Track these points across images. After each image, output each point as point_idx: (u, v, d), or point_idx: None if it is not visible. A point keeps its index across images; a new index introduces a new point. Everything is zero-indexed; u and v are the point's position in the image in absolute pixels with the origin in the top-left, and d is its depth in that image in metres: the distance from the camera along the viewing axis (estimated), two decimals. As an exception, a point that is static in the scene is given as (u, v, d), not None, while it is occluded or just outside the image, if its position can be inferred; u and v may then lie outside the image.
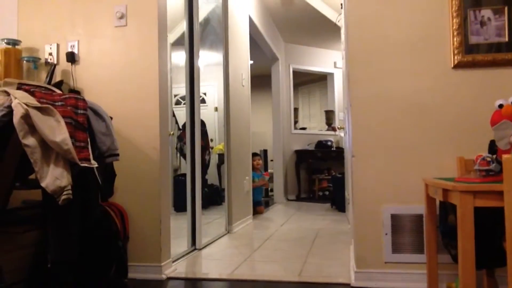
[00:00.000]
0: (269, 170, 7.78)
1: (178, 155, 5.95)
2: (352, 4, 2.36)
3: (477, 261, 1.50)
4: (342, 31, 4.60)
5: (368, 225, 2.30)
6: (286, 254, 3.09)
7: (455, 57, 2.19)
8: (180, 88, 5.69)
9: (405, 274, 2.23)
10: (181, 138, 5.75)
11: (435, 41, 2.24)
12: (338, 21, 5.21)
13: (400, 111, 2.28)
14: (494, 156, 1.69)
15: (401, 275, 2.24)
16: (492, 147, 1.86)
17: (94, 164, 1.81)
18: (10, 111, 1.69)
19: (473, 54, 2.17)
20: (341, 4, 4.25)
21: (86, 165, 1.76)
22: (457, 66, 2.20)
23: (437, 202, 2.05)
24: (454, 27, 2.18)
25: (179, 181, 5.09)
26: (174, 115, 5.86)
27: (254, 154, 5.87)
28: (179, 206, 4.41)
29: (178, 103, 6.38)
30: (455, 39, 2.19)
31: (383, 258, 2.27)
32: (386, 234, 2.28)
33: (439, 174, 2.21)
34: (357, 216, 2.34)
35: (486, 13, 2.15)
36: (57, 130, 1.66)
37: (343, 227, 4.23)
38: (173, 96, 6.12)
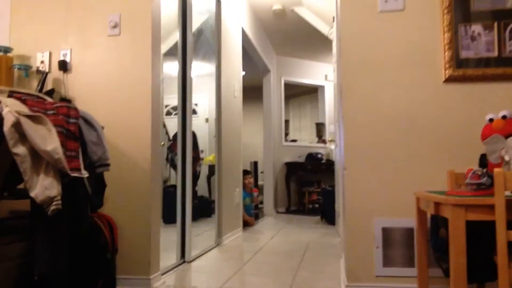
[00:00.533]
0: (259, 182, 7.77)
1: (168, 166, 5.92)
2: (346, 18, 2.38)
3: (468, 275, 1.50)
4: (334, 44, 4.64)
5: (359, 238, 2.30)
6: (276, 267, 3.07)
7: (446, 71, 2.22)
8: (171, 99, 5.67)
9: (396, 288, 2.23)
10: (171, 149, 5.72)
11: (427, 55, 2.27)
12: (330, 34, 5.27)
13: (392, 124, 2.30)
14: (485, 170, 1.70)
15: (392, 289, 2.23)
16: (483, 161, 1.87)
17: (85, 174, 1.79)
18: (0, 118, 1.67)
19: (464, 69, 2.20)
20: (333, 18, 4.30)
21: (76, 175, 1.73)
22: (448, 80, 2.22)
23: (428, 216, 2.05)
24: (445, 42, 2.22)
25: (168, 192, 5.04)
26: (164, 126, 5.83)
27: (246, 172, 5.80)
28: (168, 217, 4.37)
29: (168, 113, 6.35)
30: (446, 53, 2.22)
31: (374, 272, 2.27)
32: (377, 247, 2.27)
33: (430, 187, 2.22)
34: (348, 229, 2.34)
35: (477, 28, 2.19)
36: (48, 139, 1.63)
37: (333, 240, 4.22)
38: (164, 106, 6.10)
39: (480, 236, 1.63)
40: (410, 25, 2.28)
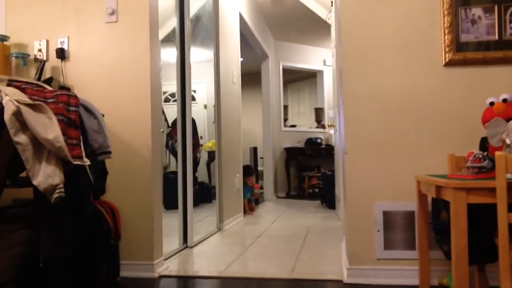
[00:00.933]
0: (259, 168, 7.79)
1: (168, 152, 5.93)
2: (345, 2, 2.36)
3: (469, 257, 1.52)
4: (333, 28, 4.61)
5: (360, 222, 2.32)
6: (278, 251, 3.09)
7: (446, 55, 2.21)
8: (169, 86, 5.64)
9: (397, 271, 2.25)
10: (171, 135, 5.72)
11: (427, 39, 2.26)
12: (329, 19, 5.23)
13: (392, 108, 2.29)
14: (485, 153, 1.70)
15: (393, 272, 2.26)
16: (483, 144, 1.88)
17: (87, 161, 1.79)
18: (1, 107, 1.66)
19: (464, 52, 2.19)
20: (332, 2, 4.26)
21: (78, 162, 1.74)
22: (448, 64, 2.22)
23: (429, 199, 2.07)
24: (445, 25, 2.20)
25: (168, 178, 5.06)
26: (163, 113, 5.83)
27: (248, 172, 5.72)
28: (169, 203, 4.39)
29: (167, 100, 6.35)
30: (446, 37, 2.20)
31: (375, 255, 2.29)
32: (378, 230, 2.29)
33: (431, 171, 2.23)
34: (349, 213, 2.35)
35: (477, 11, 2.18)
36: (49, 128, 1.63)
37: (334, 224, 4.25)
38: (162, 93, 6.08)
39: (481, 218, 1.64)
40: (410, 8, 2.27)
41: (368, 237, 2.30)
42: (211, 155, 5.52)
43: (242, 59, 5.28)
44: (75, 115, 1.81)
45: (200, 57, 4.71)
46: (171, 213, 3.56)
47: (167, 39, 5.25)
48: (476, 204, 1.54)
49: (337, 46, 2.94)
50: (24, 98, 1.65)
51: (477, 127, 2.07)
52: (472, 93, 2.21)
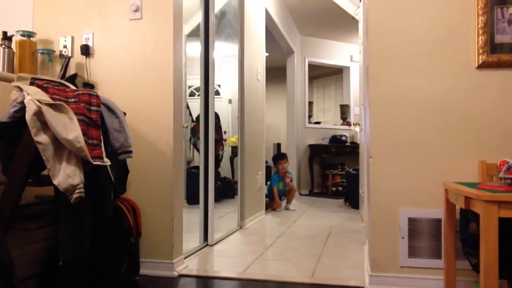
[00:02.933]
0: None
1: (192, 147, 5.94)
2: (373, 1, 2.28)
3: (499, 270, 1.44)
4: (360, 25, 4.50)
5: (384, 228, 2.25)
6: (299, 253, 3.05)
7: (480, 57, 2.10)
8: (194, 80, 5.65)
9: (421, 279, 2.18)
10: (194, 131, 5.73)
11: (459, 39, 2.15)
12: (356, 15, 5.11)
13: (421, 112, 2.21)
14: (520, 161, 1.62)
15: (417, 280, 2.18)
16: (518, 152, 1.78)
17: (107, 162, 1.79)
18: (23, 107, 1.67)
19: (499, 54, 2.08)
20: (360, -2, 4.15)
21: (98, 163, 1.73)
22: (482, 66, 2.11)
23: (458, 208, 1.98)
24: (479, 25, 2.10)
25: (192, 173, 5.08)
26: (188, 107, 5.83)
27: (281, 156, 5.70)
28: (192, 198, 4.40)
29: (192, 94, 6.35)
30: (480, 38, 2.10)
31: (399, 262, 2.22)
32: (403, 238, 2.22)
33: (460, 177, 2.14)
34: (373, 219, 2.29)
35: (514, 11, 2.06)
36: (69, 128, 1.63)
37: (357, 225, 4.17)
38: (187, 87, 6.09)
39: (513, 232, 1.56)
40: (442, 7, 2.16)
41: (392, 244, 2.23)
42: (235, 150, 5.49)
43: (267, 54, 5.22)
44: (97, 115, 1.80)
45: (225, 51, 4.69)
46: (193, 208, 3.55)
47: (193, 34, 5.24)
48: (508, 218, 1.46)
49: (364, 43, 2.85)
50: (45, 97, 1.65)
51: (511, 133, 1.97)
52: (506, 97, 2.10)
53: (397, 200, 2.23)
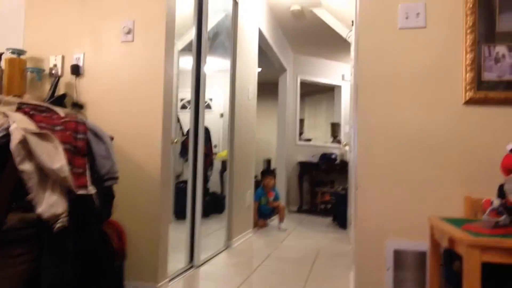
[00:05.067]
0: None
1: (182, 161, 5.91)
2: (364, 34, 2.30)
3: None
4: (352, 47, 4.55)
5: (370, 259, 2.24)
6: (285, 277, 3.03)
7: (467, 93, 2.13)
8: (186, 92, 5.63)
9: (405, 313, 2.17)
10: (185, 145, 5.70)
11: (447, 75, 2.18)
12: (348, 37, 5.16)
13: (408, 144, 2.22)
14: (504, 201, 1.63)
15: (401, 313, 2.18)
16: (502, 192, 1.80)
17: (92, 191, 1.77)
18: (8, 133, 1.65)
19: (486, 91, 2.11)
20: (352, 21, 4.20)
21: (83, 192, 1.71)
22: (469, 102, 2.14)
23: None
24: (467, 62, 2.12)
25: (181, 188, 5.04)
26: (178, 121, 5.82)
27: (268, 172, 5.65)
28: (180, 213, 4.35)
29: (183, 107, 6.33)
30: (467, 74, 2.13)
31: (384, 294, 2.22)
32: (388, 269, 2.22)
33: (446, 210, 2.14)
34: (359, 249, 2.28)
35: (501, 49, 2.09)
36: (55, 157, 1.61)
37: (344, 247, 4.17)
38: (179, 100, 6.08)
39: (498, 275, 1.56)
40: (431, 43, 2.19)
41: (378, 275, 2.23)
42: (225, 164, 5.47)
43: (260, 69, 5.24)
44: (83, 143, 1.79)
45: (217, 65, 4.69)
46: (180, 224, 3.50)
47: (188, 48, 5.25)
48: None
49: (355, 68, 2.88)
50: (31, 126, 1.63)
51: (497, 169, 1.97)
52: (492, 134, 2.12)
53: (383, 231, 2.23)
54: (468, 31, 2.10)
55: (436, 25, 2.18)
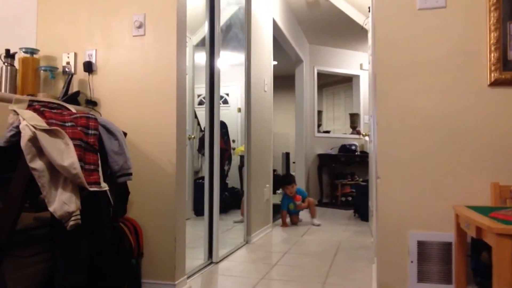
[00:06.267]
0: (290, 172, 7.63)
1: (200, 157, 5.89)
2: (381, 17, 2.21)
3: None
4: (369, 35, 4.43)
5: (393, 251, 2.17)
6: (305, 272, 2.97)
7: (492, 74, 2.02)
8: (203, 88, 5.61)
9: (431, 306, 2.09)
10: (203, 141, 5.68)
11: (470, 56, 2.08)
12: (365, 25, 5.04)
13: (431, 132, 2.13)
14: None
15: (427, 307, 2.10)
16: (532, 177, 1.70)
17: (104, 187, 1.74)
18: (19, 131, 1.63)
19: (512, 71, 2.00)
20: (369, 8, 4.09)
21: (95, 189, 1.68)
22: (494, 83, 2.03)
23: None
24: (491, 42, 2.02)
25: (199, 184, 5.02)
26: (196, 117, 5.79)
27: (287, 181, 5.31)
28: (200, 210, 4.33)
29: (201, 103, 6.31)
30: (492, 54, 2.02)
31: (408, 287, 2.14)
32: (412, 261, 2.14)
33: (471, 199, 2.05)
34: (381, 241, 2.21)
35: (528, 27, 1.98)
36: (65, 154, 1.59)
37: (366, 240, 4.08)
38: (196, 96, 6.06)
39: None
40: (452, 24, 2.09)
41: (401, 268, 2.15)
42: (243, 159, 5.42)
43: (275, 63, 5.16)
44: (94, 139, 1.76)
45: (233, 60, 4.64)
46: (200, 220, 3.47)
47: (203, 43, 5.22)
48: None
49: (372, 57, 2.79)
50: (41, 123, 1.61)
51: (525, 155, 1.88)
52: (520, 117, 2.02)
53: (406, 222, 2.15)
54: (492, 8, 1.99)
55: (457, 3, 2.08)
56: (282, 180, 5.52)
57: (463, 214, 1.72)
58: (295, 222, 5.20)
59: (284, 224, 5.10)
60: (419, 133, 2.14)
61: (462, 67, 2.09)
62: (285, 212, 5.14)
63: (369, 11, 4.11)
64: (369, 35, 4.42)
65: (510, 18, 2.01)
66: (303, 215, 5.43)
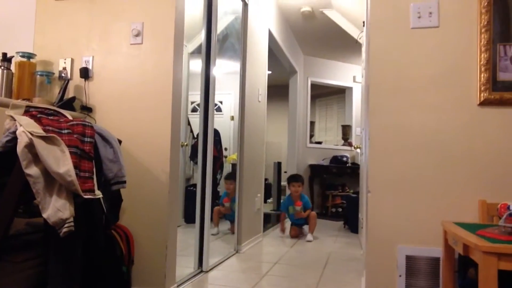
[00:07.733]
0: (282, 183, 7.65)
1: (192, 164, 5.89)
2: (375, 34, 2.26)
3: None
4: (363, 48, 4.50)
5: (382, 265, 2.20)
6: (295, 283, 2.99)
7: (482, 94, 2.08)
8: (197, 95, 5.63)
9: (418, 320, 2.12)
10: (195, 148, 5.69)
11: (461, 76, 2.13)
12: (360, 38, 5.11)
13: (421, 148, 2.17)
14: (521, 206, 1.57)
15: (414, 321, 2.12)
16: (519, 196, 1.74)
17: (98, 195, 1.75)
18: (15, 137, 1.64)
19: (501, 92, 2.06)
20: (363, 22, 4.15)
21: (89, 196, 1.69)
22: (484, 103, 2.08)
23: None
24: (481, 63, 2.07)
25: (191, 191, 5.02)
26: (189, 124, 5.81)
27: (294, 178, 5.05)
28: (190, 217, 4.33)
29: (194, 110, 6.33)
30: (482, 75, 2.07)
31: (396, 301, 2.16)
32: (400, 276, 2.17)
33: (459, 215, 2.09)
34: (370, 255, 2.24)
35: (517, 49, 2.04)
36: (61, 161, 1.60)
37: (356, 252, 4.11)
38: (189, 103, 6.07)
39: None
40: (444, 43, 2.14)
41: (389, 281, 2.18)
42: (235, 167, 5.44)
43: (270, 72, 5.20)
44: (90, 146, 1.77)
45: (227, 69, 4.67)
46: (190, 228, 3.47)
47: (198, 51, 5.25)
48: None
49: (366, 72, 2.84)
50: (38, 129, 1.62)
51: (513, 173, 1.93)
52: (508, 136, 2.07)
53: (395, 236, 2.19)
54: (483, 30, 2.05)
55: (450, 24, 2.14)
56: (290, 176, 5.36)
57: (451, 230, 1.76)
58: (293, 235, 4.95)
59: (282, 227, 5.04)
60: (410, 148, 2.18)
61: (453, 85, 2.14)
62: (284, 215, 5.07)
63: (363, 25, 4.18)
64: (363, 49, 4.48)
65: (500, 40, 2.06)
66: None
